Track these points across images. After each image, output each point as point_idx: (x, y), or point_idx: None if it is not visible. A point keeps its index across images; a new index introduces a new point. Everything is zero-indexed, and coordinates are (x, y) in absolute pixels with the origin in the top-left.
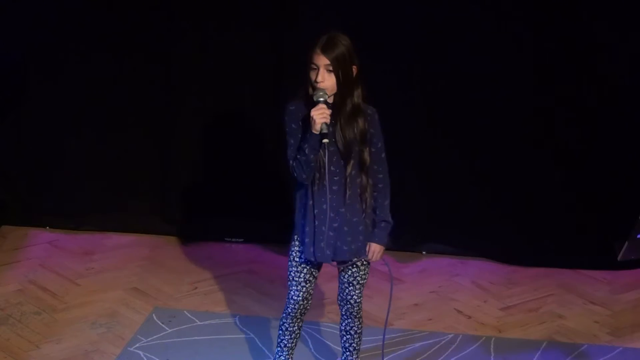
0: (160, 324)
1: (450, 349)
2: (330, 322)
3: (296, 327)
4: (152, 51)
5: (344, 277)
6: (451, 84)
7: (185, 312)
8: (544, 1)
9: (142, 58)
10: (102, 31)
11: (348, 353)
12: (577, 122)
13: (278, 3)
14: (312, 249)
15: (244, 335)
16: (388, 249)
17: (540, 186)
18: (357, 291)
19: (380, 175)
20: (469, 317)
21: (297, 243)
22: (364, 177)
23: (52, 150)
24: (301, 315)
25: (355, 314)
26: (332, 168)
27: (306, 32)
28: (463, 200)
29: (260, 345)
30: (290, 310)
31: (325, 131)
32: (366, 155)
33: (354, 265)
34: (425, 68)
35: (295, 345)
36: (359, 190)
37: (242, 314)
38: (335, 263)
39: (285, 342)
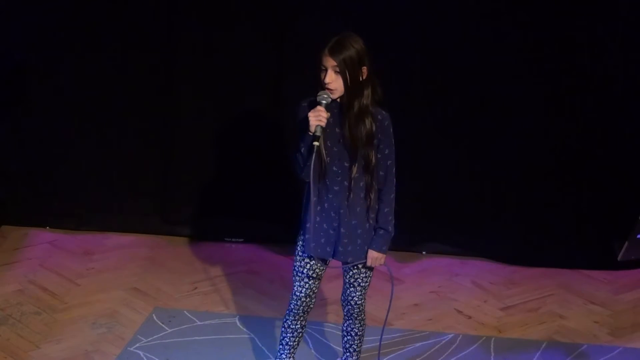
0: (160, 324)
1: (450, 349)
2: (331, 322)
3: (299, 326)
4: (152, 51)
5: (346, 278)
6: (451, 84)
7: (185, 312)
8: (545, 1)
9: (143, 58)
10: (102, 31)
11: (348, 354)
12: (577, 122)
13: (279, 4)
14: (312, 245)
15: (244, 335)
16: (388, 248)
17: (540, 186)
18: (357, 293)
19: (384, 182)
20: (469, 317)
21: (301, 238)
22: (368, 178)
23: (52, 150)
24: (304, 313)
25: (355, 315)
26: (334, 168)
27: (307, 33)
28: (463, 201)
29: (260, 345)
30: (292, 307)
31: (318, 134)
32: (372, 157)
33: (355, 267)
34: (425, 68)
35: (298, 344)
36: (363, 192)
37: (242, 314)
38: (335, 261)
39: (287, 340)
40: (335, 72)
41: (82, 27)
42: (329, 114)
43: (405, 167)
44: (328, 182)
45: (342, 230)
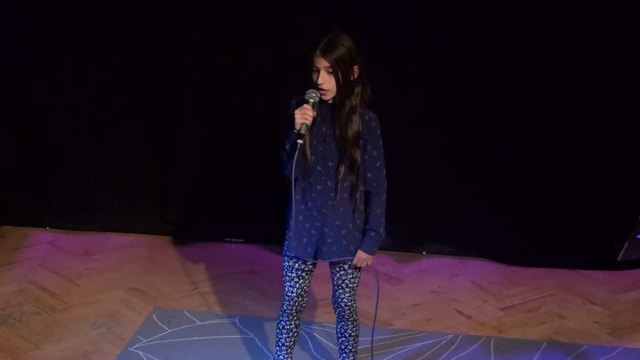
0: (160, 324)
1: (450, 349)
2: (330, 322)
3: (293, 325)
4: (152, 51)
5: (334, 280)
6: (451, 84)
7: (185, 312)
8: (545, 4)
9: (143, 58)
10: (102, 31)
11: (344, 355)
12: (577, 122)
13: (278, 4)
14: (294, 244)
15: (244, 335)
16: (388, 249)
17: (540, 186)
18: (346, 294)
19: (374, 184)
20: (469, 317)
21: (286, 238)
22: (353, 178)
23: (52, 150)
24: (297, 312)
25: (347, 316)
26: (318, 168)
27: (307, 33)
28: (463, 200)
29: (260, 345)
30: (285, 307)
31: (303, 132)
32: (357, 156)
33: (341, 269)
34: (425, 68)
35: (294, 344)
36: (348, 192)
37: (242, 314)
38: (322, 263)
39: (283, 341)
40: (328, 72)
41: (82, 27)
42: (315, 112)
43: (406, 167)
44: (312, 181)
45: (325, 230)
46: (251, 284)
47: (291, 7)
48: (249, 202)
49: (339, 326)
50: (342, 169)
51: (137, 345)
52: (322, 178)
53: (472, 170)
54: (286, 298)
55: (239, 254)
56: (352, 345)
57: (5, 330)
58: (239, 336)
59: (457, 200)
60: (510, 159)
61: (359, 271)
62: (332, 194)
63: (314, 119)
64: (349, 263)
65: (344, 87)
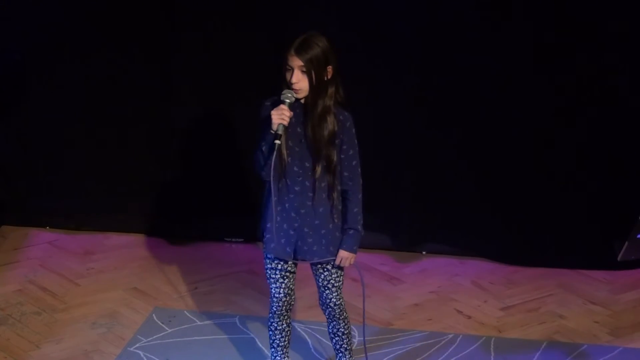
0: (160, 324)
1: (450, 349)
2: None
3: (285, 325)
4: (151, 51)
5: (319, 282)
6: (451, 84)
7: (185, 312)
8: (550, 2)
9: (142, 58)
10: (101, 31)
11: (340, 354)
12: (577, 122)
13: (279, 3)
14: (272, 245)
15: (243, 335)
16: (388, 249)
17: (540, 186)
18: (334, 294)
19: (350, 183)
20: (469, 317)
21: (264, 240)
22: (330, 178)
23: (52, 150)
24: (287, 311)
25: (337, 315)
26: (295, 168)
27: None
28: (463, 200)
29: (260, 345)
30: (275, 309)
31: (280, 132)
32: (333, 156)
33: (325, 269)
34: (425, 68)
35: (289, 343)
36: (325, 192)
37: (242, 314)
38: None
39: (278, 342)
40: (302, 72)
41: (82, 27)
42: (291, 113)
43: (406, 167)
44: (289, 182)
45: (305, 230)
46: (251, 284)
47: (291, 7)
48: (249, 202)
49: (330, 326)
50: (318, 169)
51: (137, 345)
52: (300, 179)
53: (472, 170)
54: (274, 299)
55: (239, 254)
56: (346, 343)
57: (5, 330)
58: (239, 336)
59: (457, 200)
60: (510, 159)
61: (343, 269)
62: (310, 194)
63: (290, 119)
64: (332, 263)
65: (317, 87)
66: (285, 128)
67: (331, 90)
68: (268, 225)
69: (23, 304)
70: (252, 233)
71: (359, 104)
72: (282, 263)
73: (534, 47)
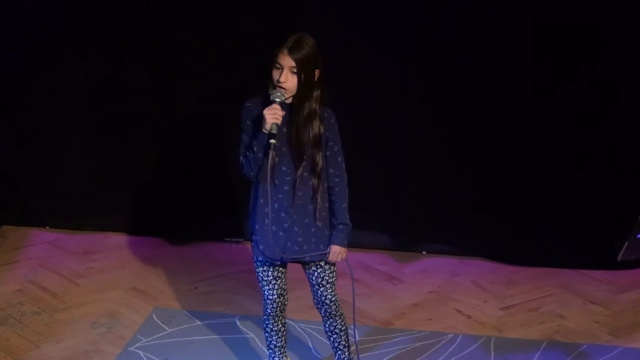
0: (160, 324)
1: (450, 349)
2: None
3: (280, 325)
4: (151, 51)
5: (312, 280)
6: (451, 84)
7: (185, 312)
8: (544, 2)
9: (142, 58)
10: (101, 31)
11: (340, 352)
12: (577, 122)
13: (279, 3)
14: (261, 247)
15: (243, 335)
16: (388, 248)
17: (540, 186)
18: (329, 290)
19: (337, 179)
20: (469, 317)
21: (253, 243)
22: (315, 180)
23: (52, 150)
24: (281, 312)
25: (334, 312)
26: (283, 168)
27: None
28: (463, 200)
29: (260, 345)
30: (270, 311)
31: (274, 132)
32: (318, 159)
33: (318, 266)
34: (424, 69)
35: (286, 343)
36: (310, 192)
37: (242, 314)
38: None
39: (275, 343)
40: (292, 72)
41: (82, 27)
42: (284, 112)
43: (406, 167)
44: (277, 183)
45: (295, 229)
46: (251, 283)
47: (291, 7)
48: (249, 202)
49: (326, 324)
50: (302, 169)
51: (137, 345)
52: (288, 178)
53: (472, 170)
54: (268, 302)
55: (238, 254)
56: (344, 340)
57: (5, 330)
58: (239, 336)
59: (457, 200)
60: (510, 159)
61: (335, 265)
62: (300, 194)
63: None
64: (325, 259)
65: (305, 89)
66: (278, 127)
67: (317, 93)
68: (257, 227)
69: (23, 304)
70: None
71: (358, 104)
72: (271, 265)
73: (534, 47)
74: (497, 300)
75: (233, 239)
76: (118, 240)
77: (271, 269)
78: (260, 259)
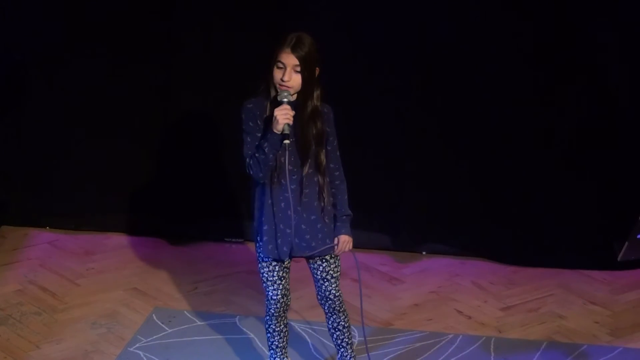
0: (160, 324)
1: (450, 349)
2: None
3: (283, 326)
4: (151, 51)
5: (317, 275)
6: (451, 85)
7: (185, 312)
8: (545, 1)
9: (142, 59)
10: (101, 31)
11: (342, 349)
12: (576, 122)
13: (278, 3)
14: (270, 247)
15: (244, 335)
16: (388, 249)
17: (540, 186)
18: (333, 285)
19: (337, 173)
20: (469, 317)
21: (259, 244)
22: (320, 178)
23: (52, 150)
24: (284, 312)
25: (338, 308)
26: (289, 167)
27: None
28: (463, 201)
29: (260, 345)
30: (273, 311)
31: (287, 132)
32: (322, 157)
33: (324, 261)
34: (424, 68)
35: (287, 343)
36: (316, 188)
37: (242, 314)
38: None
39: (277, 343)
40: (295, 71)
41: (82, 27)
42: (293, 112)
43: (406, 167)
44: (283, 182)
45: (302, 226)
46: (251, 284)
47: (291, 7)
48: (249, 202)
49: (330, 321)
50: (307, 167)
51: (137, 345)
52: (295, 177)
53: (472, 170)
54: (272, 302)
55: (238, 254)
56: (347, 337)
57: (5, 330)
58: (239, 336)
59: (457, 200)
60: (510, 159)
61: (339, 260)
62: (306, 191)
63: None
64: (331, 253)
65: (308, 87)
66: (290, 127)
67: (317, 91)
68: (265, 227)
69: (23, 304)
70: (252, 233)
71: (359, 104)
72: (278, 264)
73: (533, 48)
74: (497, 300)
75: (233, 239)
76: (118, 240)
77: (276, 269)
78: (267, 258)
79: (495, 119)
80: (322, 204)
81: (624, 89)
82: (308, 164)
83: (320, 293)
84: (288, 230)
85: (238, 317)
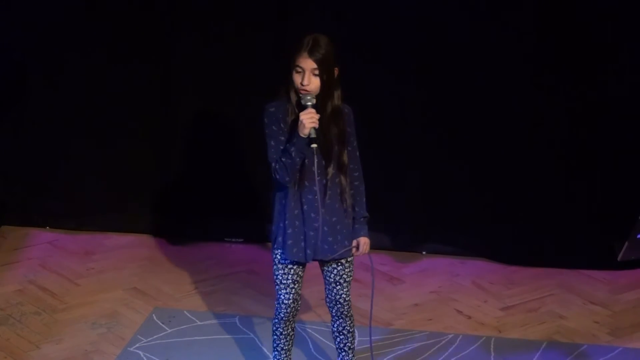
0: (160, 324)
1: (450, 349)
2: (330, 322)
3: (290, 329)
4: (151, 52)
5: (330, 278)
6: (451, 85)
7: (185, 312)
8: (544, 2)
9: (142, 59)
10: (101, 31)
11: (344, 353)
12: (576, 123)
13: (278, 3)
14: (294, 250)
15: (244, 335)
16: (388, 249)
17: (540, 186)
18: (345, 289)
19: (356, 174)
20: (469, 317)
21: (279, 247)
22: (342, 178)
23: (52, 150)
24: (293, 317)
25: (346, 313)
26: (314, 169)
27: (307, 33)
28: (463, 201)
29: (260, 345)
30: (283, 315)
31: (314, 136)
32: (345, 157)
33: (339, 264)
34: (424, 68)
35: (292, 345)
36: (338, 190)
37: (242, 314)
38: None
39: (282, 346)
40: (314, 74)
41: (82, 27)
42: (319, 115)
43: (406, 167)
44: (307, 184)
45: (325, 228)
46: (251, 284)
47: (291, 7)
48: (249, 202)
49: (336, 324)
50: (332, 168)
51: (137, 345)
52: (319, 179)
53: (472, 170)
54: (283, 305)
55: (239, 254)
56: (351, 342)
57: (5, 330)
58: (239, 336)
59: (457, 200)
60: (510, 159)
61: (353, 264)
62: (329, 192)
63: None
64: (347, 257)
65: (328, 88)
66: (317, 131)
67: (337, 92)
68: (289, 231)
69: (23, 304)
70: (252, 233)
71: (359, 104)
72: (295, 267)
73: (533, 48)
74: (497, 300)
75: (233, 239)
76: (118, 240)
77: (291, 272)
78: (283, 262)
79: (496, 119)
80: (344, 205)
81: (624, 89)
82: (331, 166)
83: (330, 296)
84: (312, 233)
85: (238, 317)
